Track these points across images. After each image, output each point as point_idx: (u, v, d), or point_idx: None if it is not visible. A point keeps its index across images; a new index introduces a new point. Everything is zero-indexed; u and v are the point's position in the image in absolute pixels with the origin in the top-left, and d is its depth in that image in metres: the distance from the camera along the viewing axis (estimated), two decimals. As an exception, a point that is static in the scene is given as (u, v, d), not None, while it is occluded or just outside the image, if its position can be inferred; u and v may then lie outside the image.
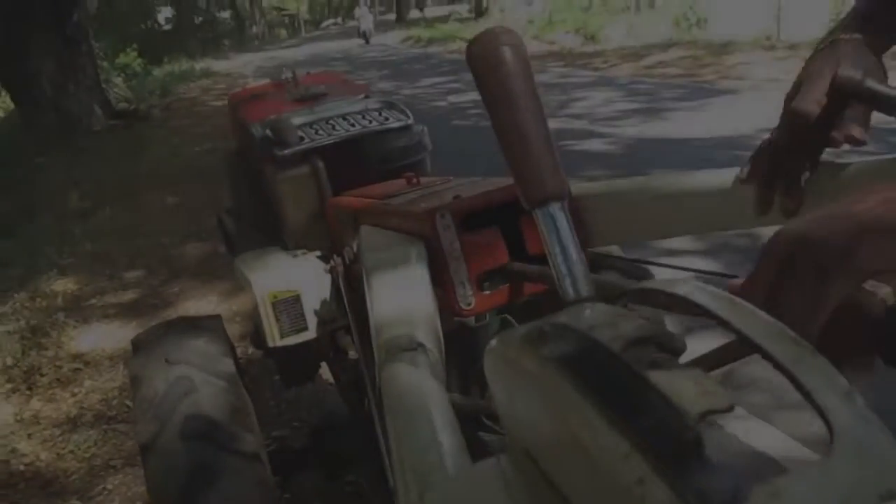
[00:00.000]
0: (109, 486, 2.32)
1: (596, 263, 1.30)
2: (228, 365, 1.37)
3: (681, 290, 0.45)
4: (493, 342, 0.49)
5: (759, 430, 0.59)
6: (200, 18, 35.36)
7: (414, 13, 33.13)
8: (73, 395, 2.96)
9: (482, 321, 1.05)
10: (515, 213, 0.99)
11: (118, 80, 15.16)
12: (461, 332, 1.05)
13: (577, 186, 1.03)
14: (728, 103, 6.92)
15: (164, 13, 35.23)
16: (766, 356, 0.37)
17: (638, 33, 14.83)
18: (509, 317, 1.08)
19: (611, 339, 0.41)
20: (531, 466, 0.44)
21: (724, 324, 0.40)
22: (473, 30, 21.00)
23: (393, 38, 25.57)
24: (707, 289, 0.44)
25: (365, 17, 22.82)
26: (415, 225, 1.02)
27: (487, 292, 0.98)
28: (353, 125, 1.71)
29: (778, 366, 0.36)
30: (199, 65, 21.82)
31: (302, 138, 1.65)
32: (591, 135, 6.36)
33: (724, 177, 0.85)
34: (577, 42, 15.64)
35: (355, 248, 1.21)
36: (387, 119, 1.75)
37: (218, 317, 1.63)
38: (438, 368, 0.71)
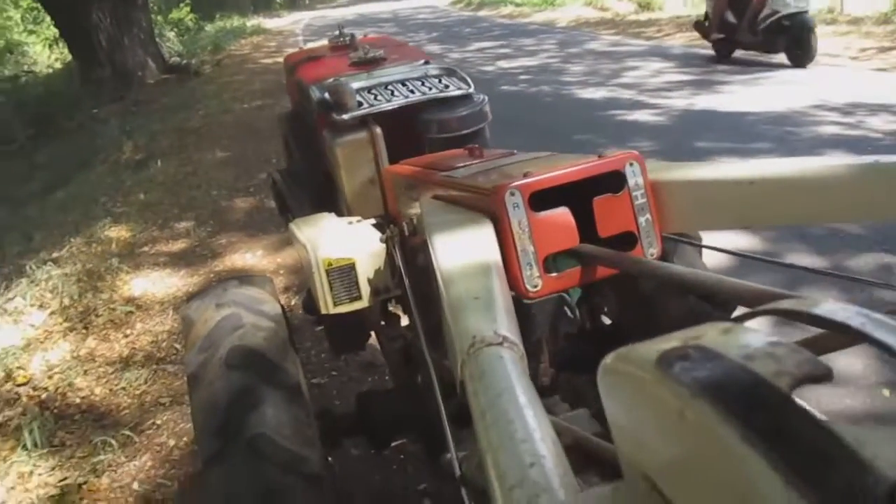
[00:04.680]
0: (158, 422, 2.46)
1: (677, 251, 1.28)
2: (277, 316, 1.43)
3: (840, 315, 0.39)
4: (611, 359, 0.45)
5: None
6: (253, -25, 35.36)
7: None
8: (126, 336, 3.11)
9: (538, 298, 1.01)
10: (586, 192, 0.96)
11: (171, 35, 15.37)
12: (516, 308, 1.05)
13: (656, 166, 1.00)
14: (784, 78, 6.74)
15: (218, -31, 35.32)
16: None
17: (694, 3, 14.42)
18: (566, 296, 1.04)
19: (774, 374, 0.35)
20: (653, 494, 0.41)
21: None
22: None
23: (443, 0, 25.33)
24: (871, 315, 0.38)
25: None
26: (482, 201, 0.99)
27: (555, 274, 0.95)
28: (412, 91, 1.69)
29: None
30: (251, 22, 21.90)
31: (360, 103, 1.64)
32: (639, 105, 6.28)
33: (809, 165, 0.81)
34: (631, 9, 15.28)
35: (415, 220, 1.18)
36: (447, 87, 1.72)
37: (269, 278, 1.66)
38: (525, 364, 0.69)
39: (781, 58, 7.20)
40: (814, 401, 0.32)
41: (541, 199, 0.95)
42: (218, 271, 3.71)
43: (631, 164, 0.97)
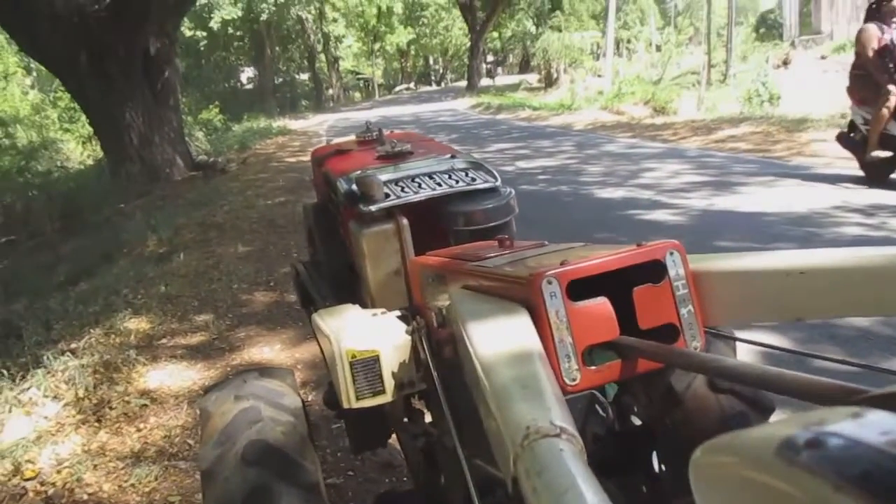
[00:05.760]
0: (167, 522, 2.37)
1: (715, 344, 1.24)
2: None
3: None
4: (706, 451, 0.40)
5: None
6: (280, 79, 36.95)
7: (485, 80, 33.88)
8: (139, 429, 3.05)
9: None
10: (626, 283, 0.92)
11: (200, 135, 15.96)
12: None
13: (697, 258, 0.98)
14: (801, 181, 6.80)
15: (247, 73, 37.04)
16: None
17: (708, 108, 14.80)
18: (597, 393, 1.00)
19: None
20: None
21: None
22: (542, 99, 21.33)
23: (463, 103, 26.17)
24: None
25: None
26: (517, 290, 0.94)
27: (594, 368, 0.90)
28: (439, 184, 1.69)
29: None
30: (277, 123, 22.70)
31: (387, 195, 1.64)
32: (657, 205, 6.33)
33: (863, 255, 0.79)
34: (646, 113, 15.69)
35: (444, 311, 1.14)
36: (474, 180, 1.72)
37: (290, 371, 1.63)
38: (585, 459, 0.64)
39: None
40: None
41: (577, 289, 0.91)
42: (235, 364, 3.67)
43: (671, 254, 0.94)
